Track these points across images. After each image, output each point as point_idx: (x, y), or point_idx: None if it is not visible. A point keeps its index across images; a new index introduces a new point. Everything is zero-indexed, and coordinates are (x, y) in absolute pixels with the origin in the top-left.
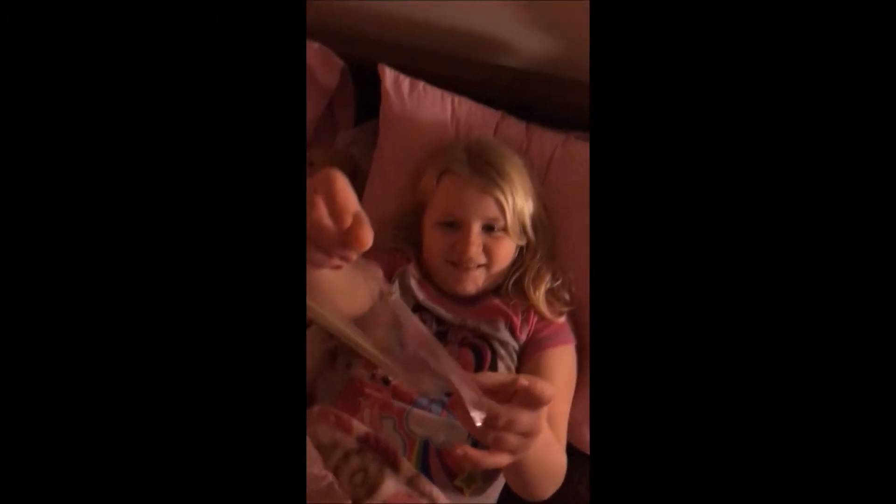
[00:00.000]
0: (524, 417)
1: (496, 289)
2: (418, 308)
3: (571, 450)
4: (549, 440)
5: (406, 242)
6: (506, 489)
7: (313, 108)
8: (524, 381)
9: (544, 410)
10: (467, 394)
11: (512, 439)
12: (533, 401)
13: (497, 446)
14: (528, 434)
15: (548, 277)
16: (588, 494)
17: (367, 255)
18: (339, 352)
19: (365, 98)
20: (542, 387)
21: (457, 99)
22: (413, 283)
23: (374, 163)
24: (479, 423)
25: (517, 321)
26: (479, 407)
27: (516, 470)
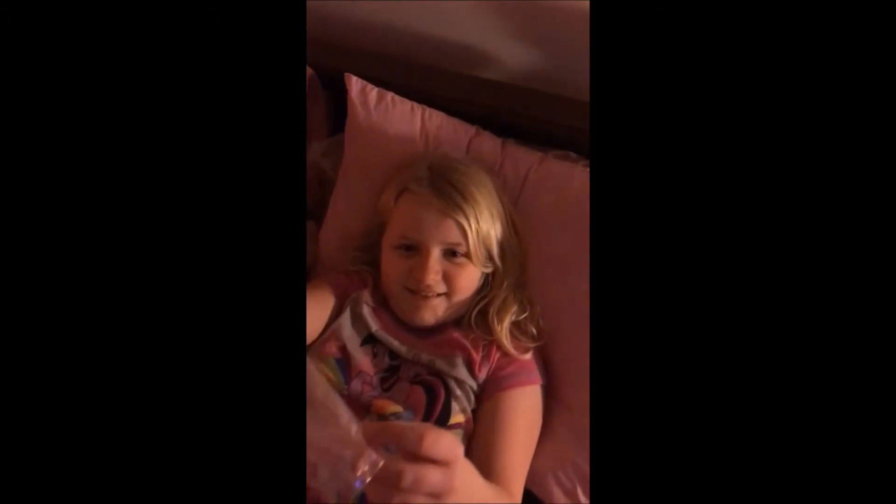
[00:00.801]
0: (433, 475)
1: (458, 320)
2: (371, 339)
3: (534, 501)
4: (485, 495)
5: (366, 264)
6: None
7: None
8: (429, 437)
9: (458, 467)
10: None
11: (419, 499)
12: (439, 459)
13: None
14: (439, 495)
15: (514, 309)
16: None
17: (324, 277)
18: None
19: (340, 108)
20: (448, 445)
21: (427, 111)
22: (366, 311)
23: (339, 177)
24: (359, 474)
25: (476, 357)
26: (372, 463)
27: None
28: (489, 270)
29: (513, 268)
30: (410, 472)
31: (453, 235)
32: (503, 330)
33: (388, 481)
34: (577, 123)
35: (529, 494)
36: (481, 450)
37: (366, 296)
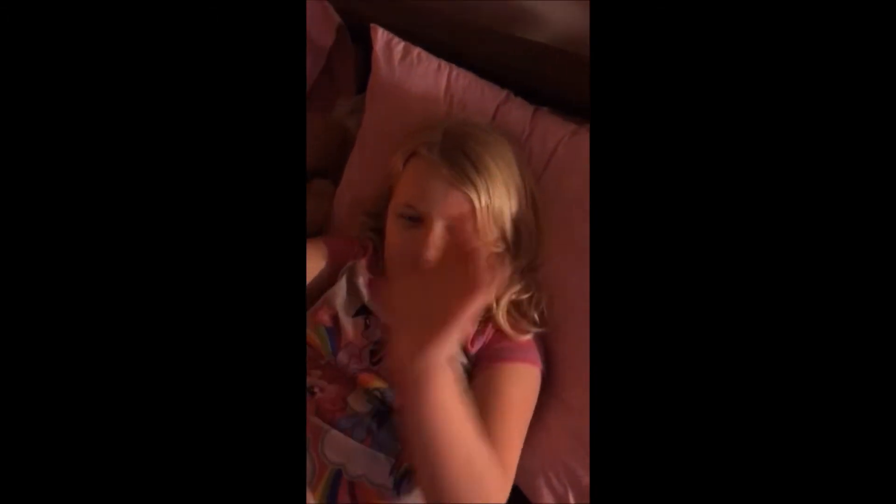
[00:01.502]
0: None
1: None
2: (364, 310)
3: (521, 500)
4: (472, 425)
5: (373, 231)
6: None
7: (308, 70)
8: None
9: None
10: None
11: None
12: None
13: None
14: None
15: (516, 288)
16: None
17: (322, 238)
18: None
19: (368, 69)
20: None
21: (455, 71)
22: (361, 283)
23: (357, 136)
24: None
25: (470, 337)
26: None
27: (420, 426)
28: (498, 251)
29: (526, 250)
30: None
31: (461, 209)
32: (500, 306)
33: None
34: None
35: (517, 493)
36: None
37: (362, 267)
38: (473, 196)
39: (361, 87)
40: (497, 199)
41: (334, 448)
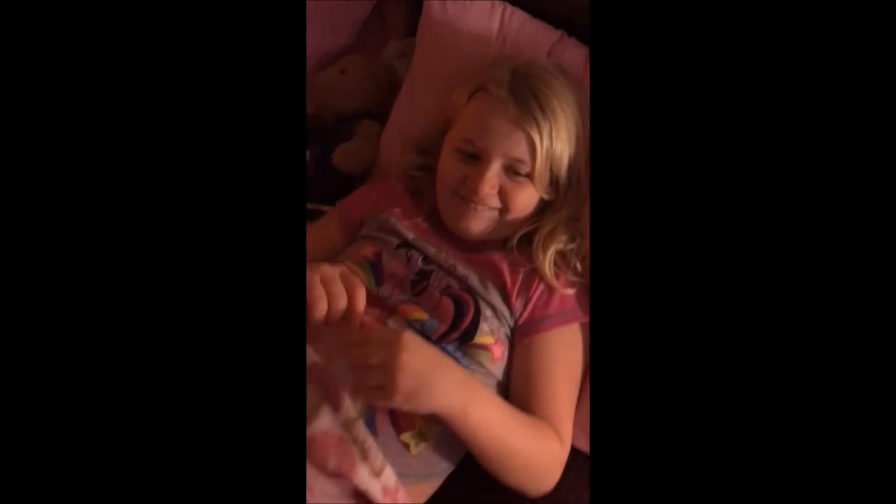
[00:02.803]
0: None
1: (502, 241)
2: (406, 245)
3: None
4: (515, 428)
5: (421, 169)
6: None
7: (355, 9)
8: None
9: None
10: None
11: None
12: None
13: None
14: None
15: (563, 238)
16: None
17: (370, 184)
18: None
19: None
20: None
21: (509, 10)
22: (393, 221)
23: (407, 77)
24: None
25: (512, 286)
26: None
27: (473, 449)
28: (550, 198)
29: (575, 198)
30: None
31: (520, 150)
32: (547, 259)
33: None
34: None
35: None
36: (519, 399)
37: (396, 213)
38: (536, 138)
39: (411, 31)
40: (558, 145)
41: None
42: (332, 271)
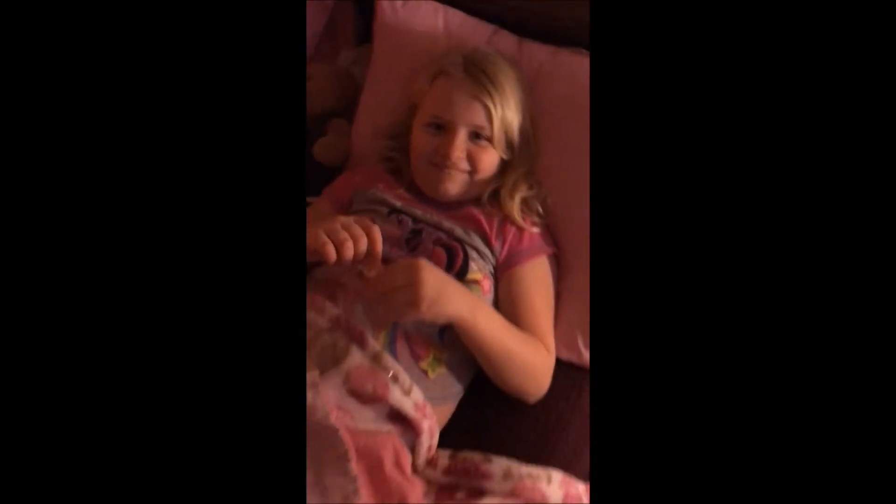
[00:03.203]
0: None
1: (475, 200)
2: (395, 211)
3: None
4: (512, 334)
5: (396, 151)
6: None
7: (312, 23)
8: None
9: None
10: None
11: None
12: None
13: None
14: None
15: (524, 188)
16: (587, 406)
17: (350, 171)
18: None
19: (367, 20)
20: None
21: (449, 11)
22: (385, 196)
23: (368, 74)
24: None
25: (490, 231)
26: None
27: (480, 352)
28: (507, 157)
29: (527, 156)
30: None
31: (480, 118)
32: (514, 205)
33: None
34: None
35: (559, 361)
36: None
37: (382, 187)
38: (491, 106)
39: (359, 40)
40: (508, 112)
41: None
42: (348, 218)
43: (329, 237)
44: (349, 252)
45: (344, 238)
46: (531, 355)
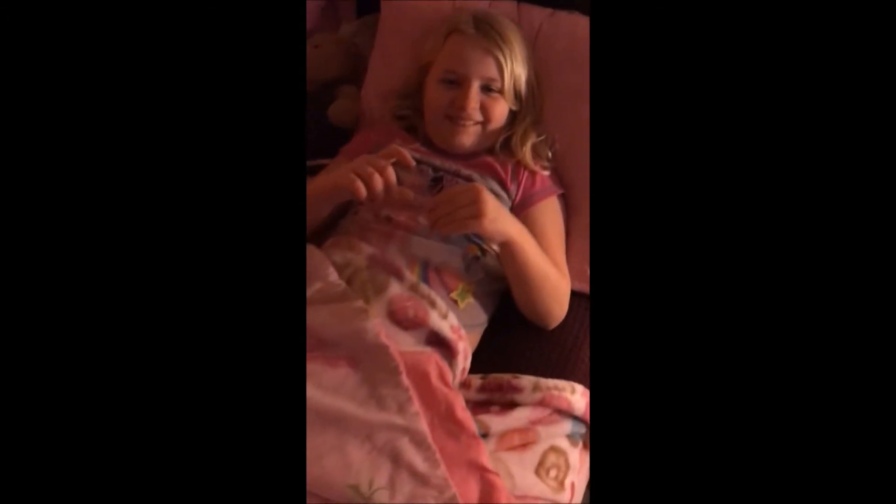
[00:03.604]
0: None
1: (488, 150)
2: (415, 162)
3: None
4: (545, 259)
5: (408, 109)
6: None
7: None
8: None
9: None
10: None
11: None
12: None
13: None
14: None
15: (533, 135)
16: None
17: (365, 131)
18: (350, 204)
19: None
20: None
21: None
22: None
23: (376, 43)
24: None
25: (505, 176)
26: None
27: (522, 273)
28: (516, 108)
29: (533, 107)
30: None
31: (492, 71)
32: (526, 151)
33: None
34: None
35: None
36: None
37: (397, 143)
38: (502, 59)
39: (359, 13)
40: (517, 66)
41: (418, 247)
42: (371, 155)
43: (357, 173)
44: (378, 184)
45: (371, 172)
46: (558, 279)
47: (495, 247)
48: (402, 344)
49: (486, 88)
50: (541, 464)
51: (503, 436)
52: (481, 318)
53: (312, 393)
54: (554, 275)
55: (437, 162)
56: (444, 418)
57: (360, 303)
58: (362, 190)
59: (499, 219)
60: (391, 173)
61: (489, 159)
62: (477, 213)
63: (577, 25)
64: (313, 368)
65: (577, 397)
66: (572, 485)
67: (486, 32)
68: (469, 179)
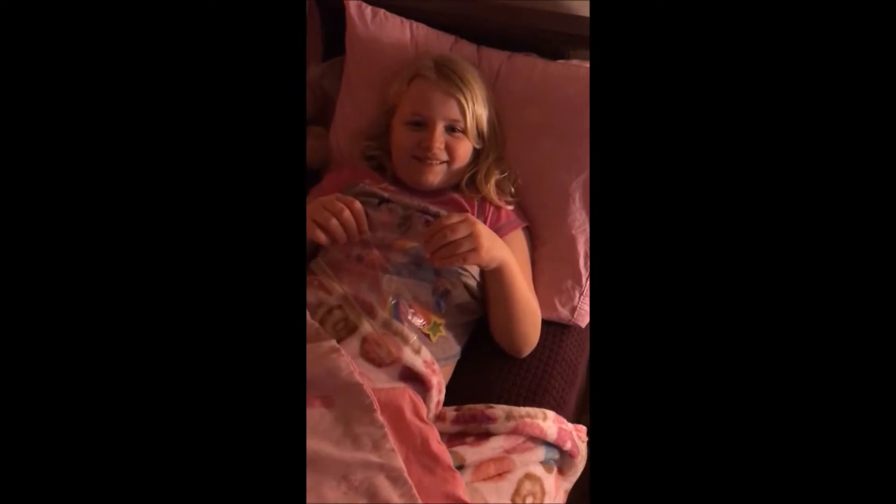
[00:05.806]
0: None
1: (454, 187)
2: (384, 201)
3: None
4: (525, 283)
5: (377, 150)
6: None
7: None
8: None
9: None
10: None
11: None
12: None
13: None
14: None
15: (496, 172)
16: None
17: (335, 171)
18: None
19: (333, 34)
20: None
21: (414, 24)
22: (373, 188)
23: (342, 85)
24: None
25: (472, 211)
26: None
27: (508, 296)
28: (479, 146)
29: (495, 145)
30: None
31: (455, 113)
32: (490, 187)
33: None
34: (540, 25)
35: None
36: None
37: (367, 183)
38: (464, 102)
39: (325, 55)
40: (478, 107)
41: (389, 284)
42: (326, 197)
43: (314, 220)
44: (336, 228)
45: (327, 216)
46: (536, 305)
47: (476, 276)
48: (376, 381)
49: (451, 129)
50: (517, 492)
51: (479, 466)
52: (454, 350)
53: None
54: (533, 300)
55: (406, 200)
56: (420, 452)
57: (332, 342)
58: (321, 237)
59: (493, 247)
60: (348, 216)
61: (456, 196)
62: (476, 246)
63: (535, 67)
64: None
65: (549, 423)
66: None
67: (447, 76)
68: (436, 216)
